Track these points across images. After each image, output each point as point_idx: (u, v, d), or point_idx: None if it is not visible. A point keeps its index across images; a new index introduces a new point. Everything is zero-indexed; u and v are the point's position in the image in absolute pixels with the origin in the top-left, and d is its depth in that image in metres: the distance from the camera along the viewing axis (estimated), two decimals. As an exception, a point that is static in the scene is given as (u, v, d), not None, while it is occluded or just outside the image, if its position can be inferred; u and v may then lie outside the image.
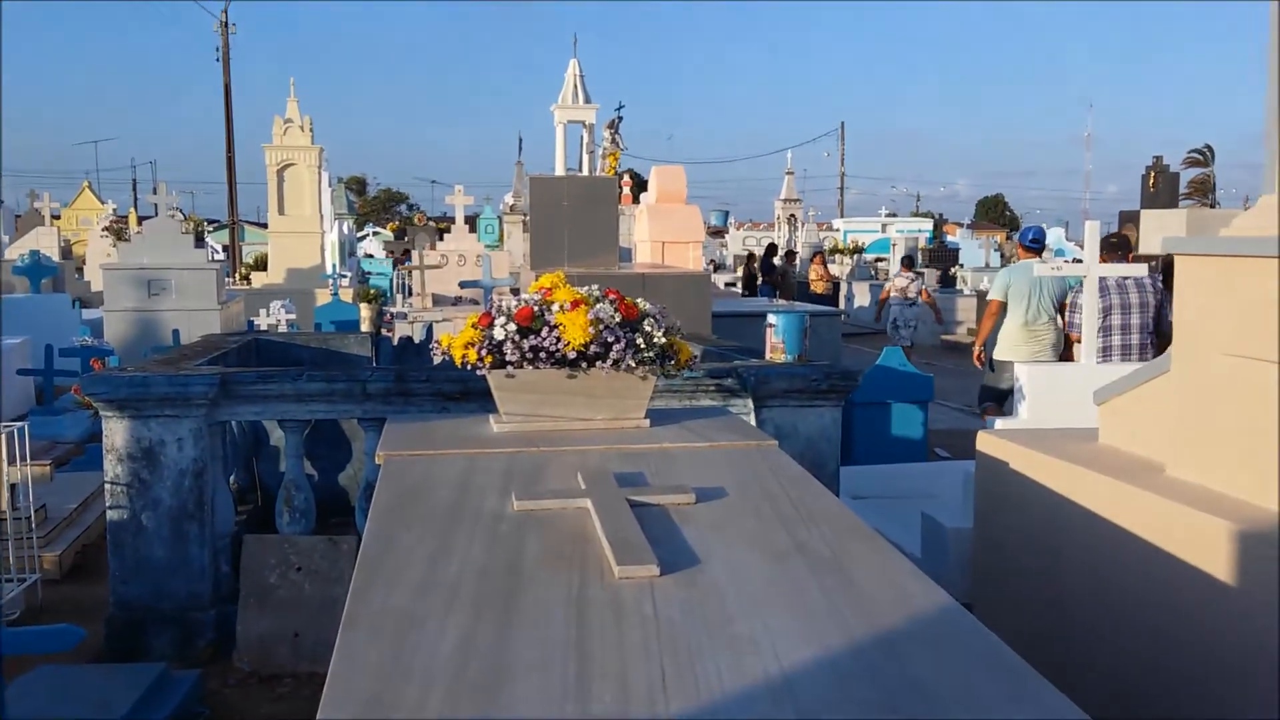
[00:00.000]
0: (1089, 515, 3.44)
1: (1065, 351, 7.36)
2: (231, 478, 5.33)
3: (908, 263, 16.68)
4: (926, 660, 1.72)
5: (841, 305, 22.06)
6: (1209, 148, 32.63)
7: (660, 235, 12.60)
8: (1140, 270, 6.47)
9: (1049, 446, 3.80)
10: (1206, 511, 2.96)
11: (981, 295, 15.68)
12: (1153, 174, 18.47)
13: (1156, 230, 14.52)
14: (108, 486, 4.20)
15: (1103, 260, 6.16)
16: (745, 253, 36.90)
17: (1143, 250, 12.17)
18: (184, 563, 4.21)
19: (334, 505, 5.70)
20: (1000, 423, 4.40)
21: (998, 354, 7.63)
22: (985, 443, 4.09)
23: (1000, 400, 7.55)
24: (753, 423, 4.30)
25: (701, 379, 4.36)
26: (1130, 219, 16.93)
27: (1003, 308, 7.59)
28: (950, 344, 18.39)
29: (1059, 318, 7.38)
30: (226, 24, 25.72)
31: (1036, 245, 8.27)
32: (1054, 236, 36.96)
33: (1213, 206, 28.04)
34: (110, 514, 4.22)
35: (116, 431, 4.15)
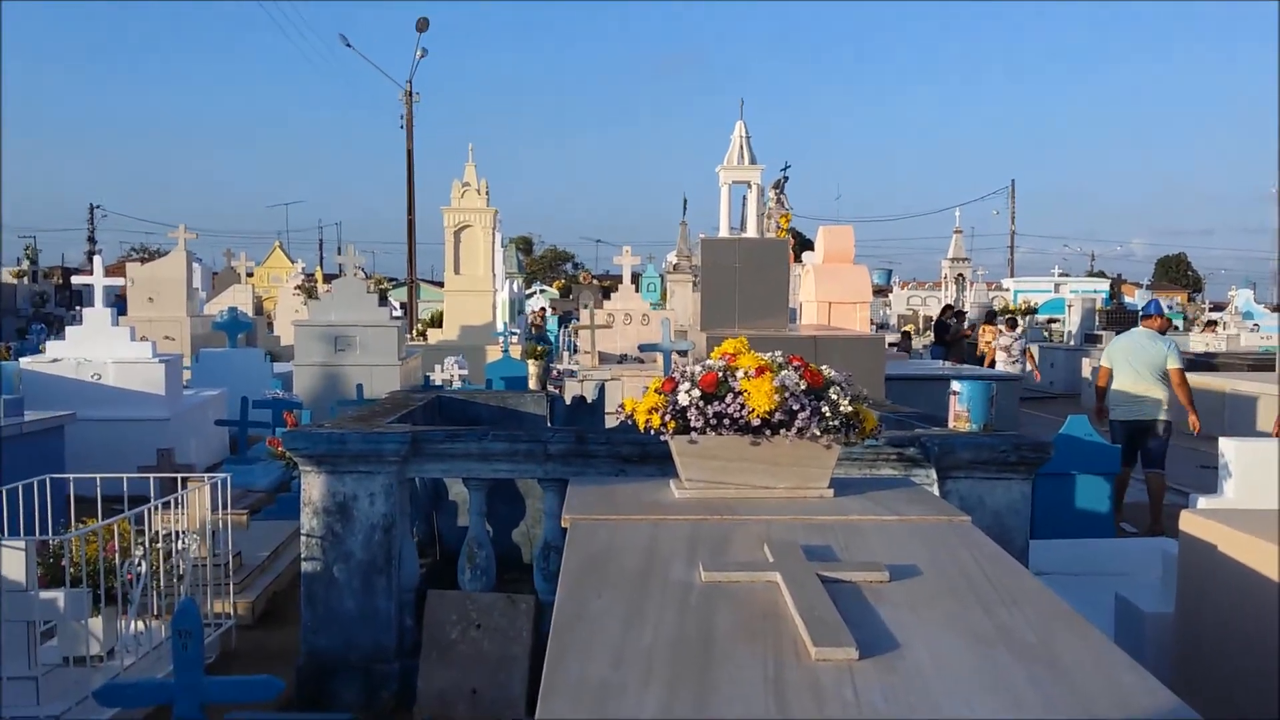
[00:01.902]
0: (1311, 606, 3.18)
1: None
2: (414, 530, 5.50)
3: (1011, 323, 16.53)
4: (1155, 764, 1.61)
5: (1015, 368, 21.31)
6: None
7: (827, 295, 12.51)
8: None
9: (1261, 528, 3.55)
10: None
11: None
12: (1360, 232, 17.16)
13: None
14: (303, 538, 4.39)
15: None
16: (909, 312, 36.24)
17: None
18: (372, 615, 4.35)
19: (508, 560, 5.81)
20: (1204, 501, 4.13)
21: (1111, 415, 8.82)
22: (1190, 523, 3.85)
23: (1124, 456, 8.22)
24: (937, 493, 4.17)
25: (883, 447, 4.27)
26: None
27: (1110, 373, 8.86)
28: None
29: (1161, 383, 8.59)
30: (411, 93, 27.11)
31: (1147, 314, 9.56)
32: (1243, 298, 34.91)
33: None
34: (305, 565, 4.41)
35: (314, 485, 4.35)
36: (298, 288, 26.41)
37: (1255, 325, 27.58)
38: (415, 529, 5.60)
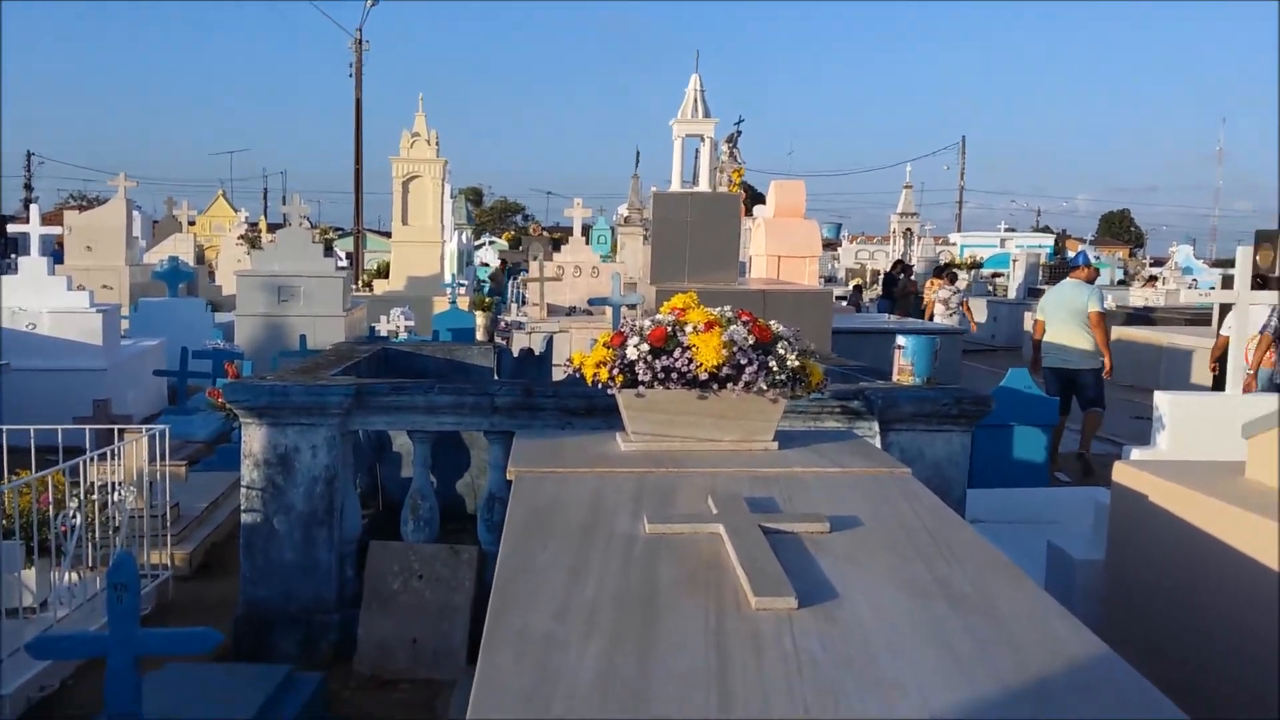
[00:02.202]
0: (1235, 554, 3.27)
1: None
2: (356, 481, 5.47)
3: (950, 277, 17.62)
4: (1084, 711, 1.65)
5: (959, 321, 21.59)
6: (1357, 163, 30.92)
7: (777, 250, 12.53)
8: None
9: (1193, 480, 3.64)
10: (1374, 559, 2.78)
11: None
12: (1295, 191, 17.53)
13: (1300, 250, 13.80)
14: (243, 490, 4.34)
15: None
16: (858, 266, 36.48)
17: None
18: (313, 566, 4.32)
19: (451, 511, 5.80)
20: (1137, 452, 4.22)
21: (1044, 363, 9.22)
22: (1123, 474, 3.93)
23: (1059, 403, 8.49)
24: (878, 446, 4.22)
25: (827, 401, 4.30)
26: (1268, 238, 16.12)
27: (1043, 325, 9.28)
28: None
29: (1087, 329, 8.96)
30: (360, 42, 26.52)
31: (1074, 264, 9.91)
32: (1183, 254, 35.60)
33: (1360, 225, 26.56)
34: (244, 516, 4.36)
35: (254, 438, 4.29)
36: (241, 237, 25.91)
37: (1194, 281, 28.17)
38: (358, 480, 5.57)
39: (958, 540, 2.44)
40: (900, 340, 4.59)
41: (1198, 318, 15.99)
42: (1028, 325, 19.59)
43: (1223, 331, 8.56)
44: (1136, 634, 3.85)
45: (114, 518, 5.06)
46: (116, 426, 5.67)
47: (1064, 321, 9.07)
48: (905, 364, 4.52)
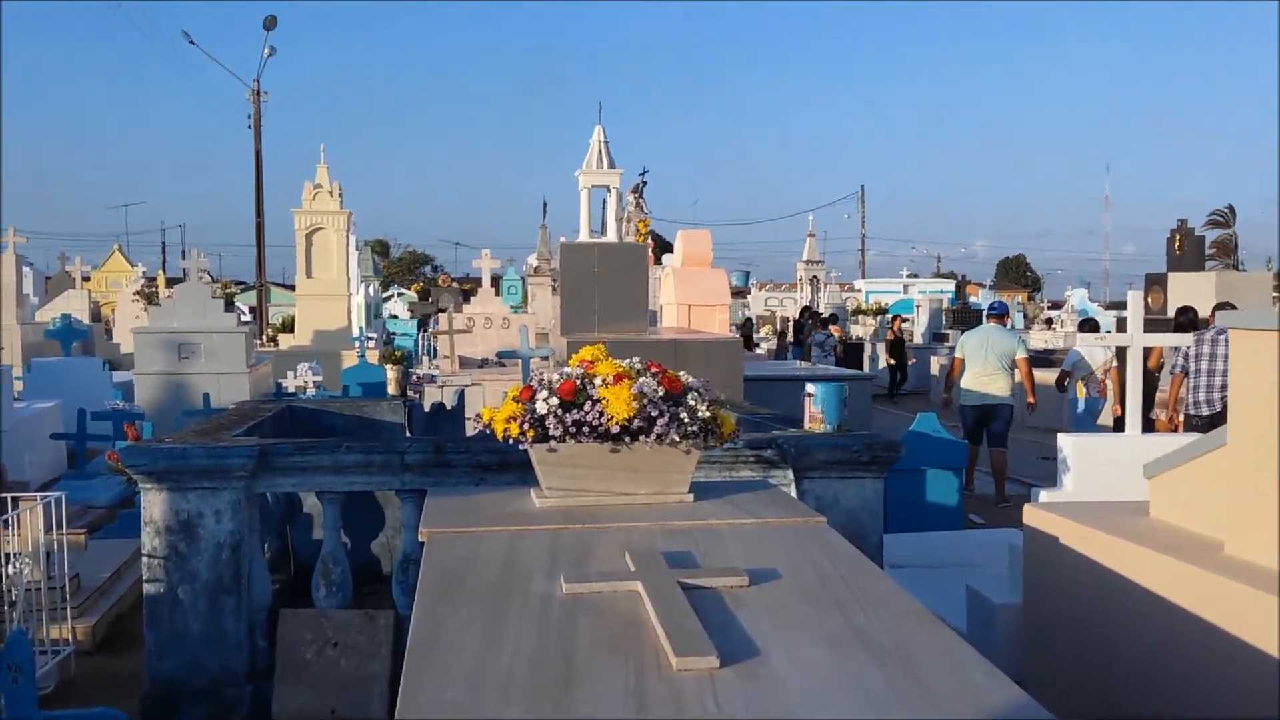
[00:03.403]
0: (1146, 594, 3.35)
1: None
2: (265, 546, 5.30)
3: (824, 322, 19.94)
4: (1004, 763, 1.65)
5: (866, 366, 22.00)
6: (1231, 208, 32.56)
7: (687, 298, 12.64)
8: (1187, 340, 7.94)
9: (1099, 521, 3.73)
10: (1273, 593, 2.87)
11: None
12: (1178, 237, 18.32)
13: (1186, 293, 14.42)
14: (145, 559, 4.17)
15: (1210, 321, 8.47)
16: (768, 313, 36.98)
17: (1171, 313, 12.07)
18: (220, 637, 4.16)
19: (367, 572, 5.65)
20: (1045, 495, 4.32)
21: (962, 400, 10.07)
22: (1033, 516, 4.01)
23: (972, 436, 9.89)
24: (793, 494, 4.24)
25: (741, 450, 4.31)
26: (1156, 281, 16.79)
27: (963, 363, 10.14)
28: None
29: (1009, 371, 9.89)
30: (259, 92, 26.20)
31: (995, 312, 10.75)
32: (1079, 297, 36.91)
33: (1236, 267, 27.89)
34: (147, 587, 4.18)
35: (155, 504, 4.13)
36: (137, 293, 25.17)
37: (1088, 323, 29.14)
38: (267, 545, 5.40)
39: (875, 590, 2.44)
40: (810, 388, 4.64)
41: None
42: (935, 369, 20.17)
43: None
44: (1057, 674, 3.91)
45: (9, 591, 4.81)
46: (10, 495, 5.41)
47: (986, 360, 9.90)
48: (816, 411, 4.57)
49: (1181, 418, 8.72)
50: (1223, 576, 3.03)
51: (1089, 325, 12.50)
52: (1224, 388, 8.13)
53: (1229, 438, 3.33)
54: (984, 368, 9.89)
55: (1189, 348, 8.32)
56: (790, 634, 2.16)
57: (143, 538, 4.17)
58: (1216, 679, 3.04)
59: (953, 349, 12.21)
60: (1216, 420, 8.04)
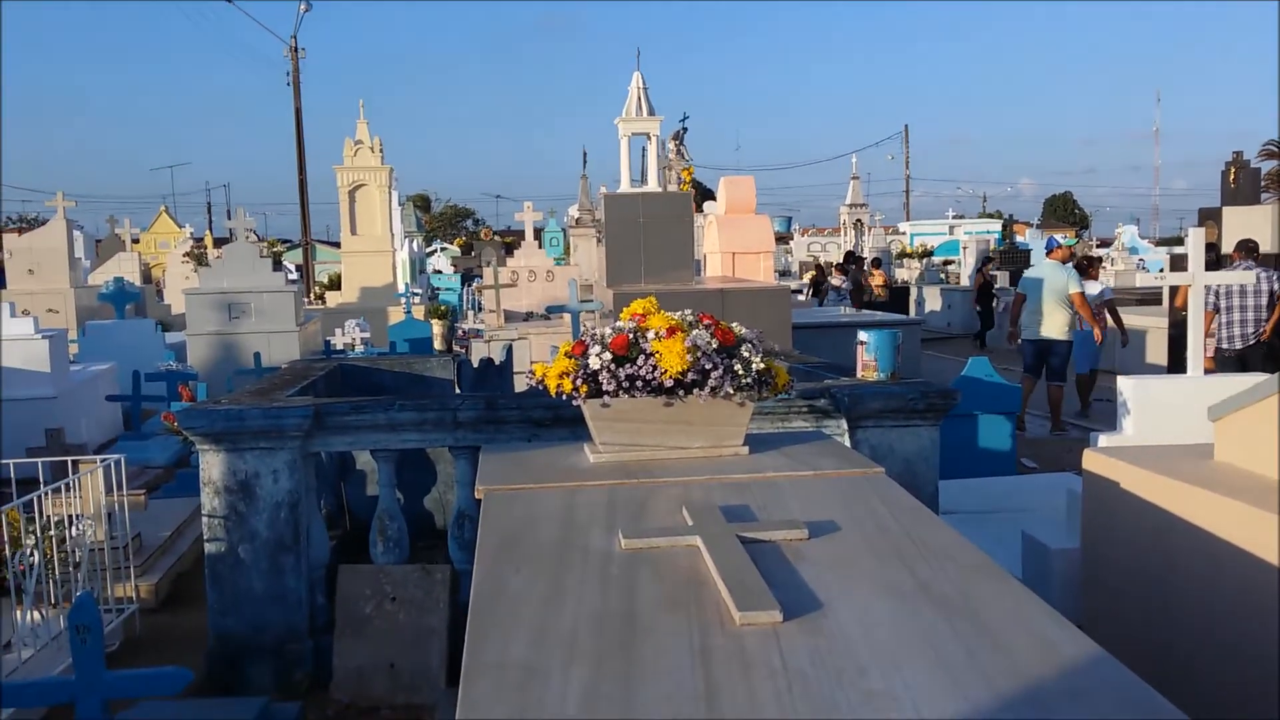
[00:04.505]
0: (1208, 538, 3.29)
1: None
2: (321, 503, 5.37)
3: (876, 264, 20.35)
4: (1082, 715, 1.62)
5: (912, 310, 21.76)
6: (1286, 138, 31.61)
7: (730, 246, 12.53)
8: (1249, 278, 8.09)
9: (1162, 465, 3.65)
10: (1346, 537, 2.80)
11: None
12: (1233, 170, 17.79)
13: (1241, 227, 14.03)
14: (205, 519, 4.23)
15: (1235, 258, 9.12)
16: (811, 259, 36.68)
17: (1225, 248, 11.78)
18: (281, 595, 4.22)
19: (420, 528, 5.71)
20: (1105, 439, 4.24)
21: (1023, 336, 10.40)
22: (1092, 461, 3.94)
23: (1032, 371, 10.36)
24: (848, 444, 4.20)
25: (794, 401, 4.27)
26: (1210, 215, 16.33)
27: (1023, 300, 10.39)
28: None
29: (1064, 306, 10.08)
30: (296, 49, 26.20)
31: (1054, 247, 11.08)
32: (1129, 234, 36.15)
33: (1294, 199, 27.12)
34: (208, 546, 4.25)
35: (213, 464, 4.18)
36: (187, 254, 25.49)
37: (1141, 260, 28.58)
38: (323, 502, 5.47)
39: (937, 541, 2.41)
40: (862, 336, 4.57)
41: (1148, 298, 16.21)
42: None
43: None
44: (1115, 620, 3.86)
45: (74, 553, 4.92)
46: (71, 457, 5.52)
47: (1043, 299, 10.14)
48: (869, 359, 4.51)
49: (1212, 353, 9.05)
50: (1291, 520, 2.96)
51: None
52: (1257, 323, 8.93)
53: (1299, 378, 3.24)
54: (1040, 305, 10.17)
55: (1219, 285, 8.43)
56: (853, 587, 2.14)
57: (202, 498, 4.23)
58: (1277, 621, 2.98)
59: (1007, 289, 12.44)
60: (1246, 355, 8.88)
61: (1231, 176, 18.78)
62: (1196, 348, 4.81)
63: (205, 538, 4.26)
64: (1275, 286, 8.98)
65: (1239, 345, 8.88)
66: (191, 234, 34.12)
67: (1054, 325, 10.15)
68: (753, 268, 12.53)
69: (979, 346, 18.85)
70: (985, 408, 7.00)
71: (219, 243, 28.28)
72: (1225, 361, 9.02)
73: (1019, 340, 10.52)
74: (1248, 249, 9.46)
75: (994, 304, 19.71)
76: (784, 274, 30.79)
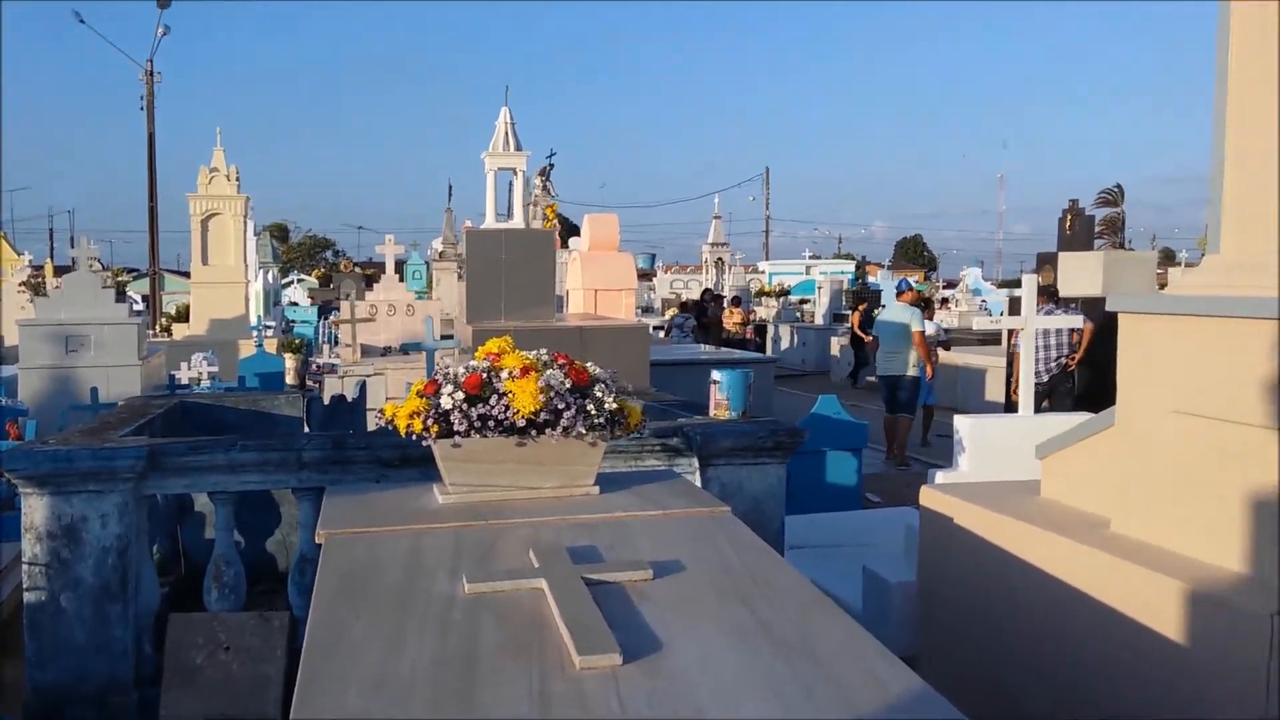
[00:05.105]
0: (1035, 572, 3.44)
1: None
2: (155, 547, 5.11)
3: (735, 302, 21.48)
4: (906, 751, 1.67)
5: (769, 348, 22.25)
6: (1119, 187, 33.77)
7: (593, 283, 12.61)
8: (1076, 321, 8.91)
9: (991, 501, 3.82)
10: (1156, 570, 2.98)
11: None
12: (1069, 216, 18.95)
13: (1075, 271, 14.87)
14: (25, 567, 3.98)
15: (1040, 302, 8.71)
16: (674, 296, 37.16)
17: (1062, 292, 12.51)
18: (105, 645, 3.99)
19: (262, 572, 5.51)
20: (941, 475, 4.41)
21: (877, 373, 11.44)
22: (928, 497, 4.09)
23: (891, 406, 11.12)
24: (698, 482, 4.25)
25: (647, 440, 4.30)
26: (1048, 260, 17.30)
27: (876, 340, 11.44)
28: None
29: (910, 344, 10.89)
30: (151, 73, 25.26)
31: (902, 290, 11.99)
32: (973, 277, 37.88)
33: (1123, 245, 28.92)
34: (27, 595, 4.00)
35: (36, 509, 3.94)
36: (24, 283, 24.12)
37: (983, 302, 29.93)
38: (157, 546, 5.22)
39: (778, 579, 2.46)
40: (715, 375, 4.65)
41: (989, 338, 16.97)
42: (835, 350, 20.55)
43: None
44: (950, 651, 4.00)
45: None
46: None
47: (891, 337, 11.12)
48: (721, 398, 4.58)
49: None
50: (1108, 554, 3.13)
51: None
52: (1059, 357, 10.07)
53: (1117, 418, 3.44)
54: (888, 344, 11.14)
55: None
56: (695, 627, 2.16)
57: (23, 544, 3.98)
58: (1101, 654, 3.14)
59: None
60: (1052, 385, 10.08)
61: (1068, 223, 19.91)
62: (1027, 389, 5.05)
63: (25, 586, 4.01)
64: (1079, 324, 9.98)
65: (1045, 378, 9.95)
66: (30, 262, 32.32)
67: (901, 362, 11.00)
68: (615, 305, 12.62)
69: (852, 384, 19.39)
70: (833, 444, 7.20)
71: (60, 271, 26.85)
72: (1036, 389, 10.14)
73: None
74: (1049, 293, 10.57)
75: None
76: (647, 310, 31.10)
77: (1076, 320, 8.85)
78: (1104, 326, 9.34)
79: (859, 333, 19.45)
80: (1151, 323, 3.29)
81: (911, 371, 11.00)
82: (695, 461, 4.34)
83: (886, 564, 4.78)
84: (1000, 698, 3.61)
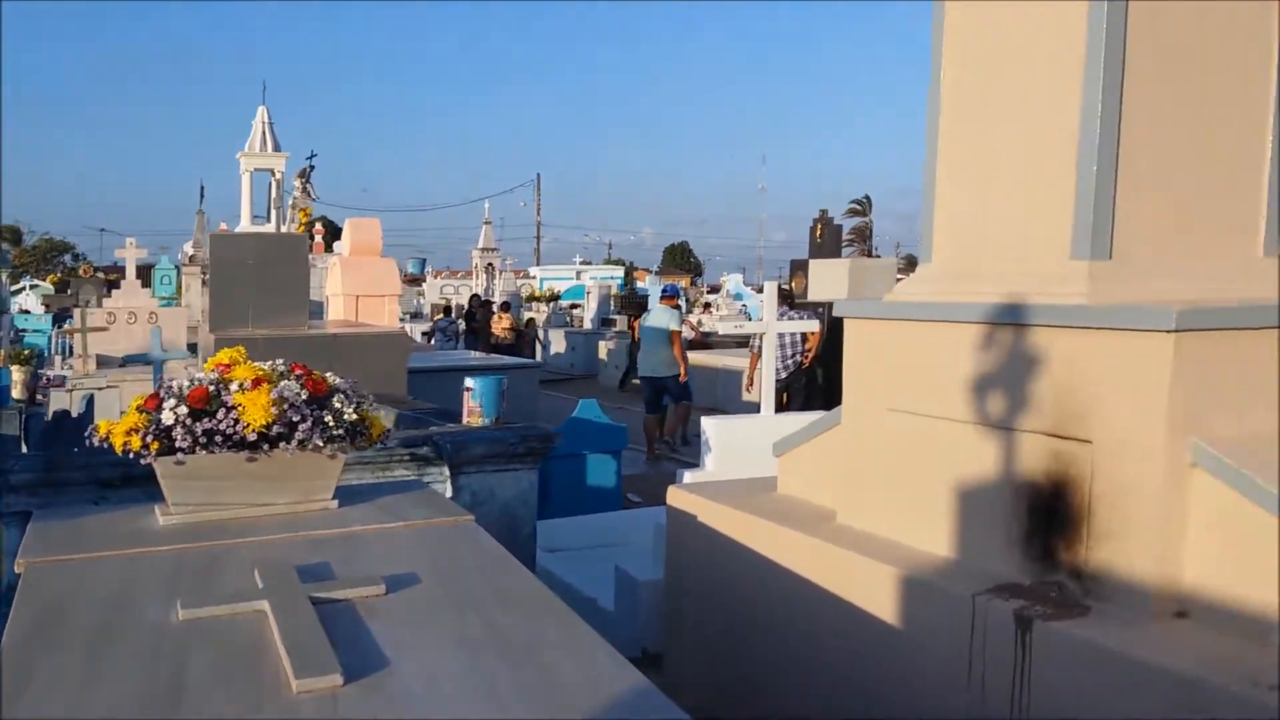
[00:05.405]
0: (770, 565, 3.61)
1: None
2: None
3: (505, 307, 21.51)
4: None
5: (539, 353, 22.32)
6: (867, 198, 36.07)
7: (354, 289, 12.29)
8: (812, 326, 9.33)
9: (732, 498, 3.97)
10: (873, 558, 3.18)
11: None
12: (819, 226, 20.01)
13: (824, 278, 15.72)
14: None
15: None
16: (443, 301, 36.71)
17: (811, 297, 13.25)
18: None
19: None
20: (689, 475, 4.55)
21: (639, 373, 11.82)
22: (674, 496, 4.21)
23: (652, 407, 11.57)
24: (449, 491, 4.21)
25: (395, 449, 4.22)
26: (800, 267, 18.22)
27: (640, 342, 11.74)
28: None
29: (669, 345, 11.33)
30: None
31: (666, 294, 12.54)
32: (733, 282, 39.41)
33: (870, 253, 30.87)
34: None
35: None
36: None
37: (744, 306, 31.15)
38: None
39: (516, 587, 2.46)
40: (469, 382, 4.63)
41: (746, 341, 17.65)
42: (603, 354, 20.83)
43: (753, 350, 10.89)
44: (695, 646, 4.13)
45: None
46: None
47: (653, 339, 11.54)
48: (474, 405, 4.56)
49: (754, 384, 10.73)
50: (832, 544, 3.32)
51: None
52: (794, 356, 10.76)
53: (842, 416, 3.65)
54: (652, 344, 11.56)
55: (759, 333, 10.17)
56: (425, 641, 2.13)
57: None
58: (828, 641, 3.33)
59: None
60: (787, 383, 10.77)
61: (818, 232, 21.01)
62: (769, 389, 5.30)
63: None
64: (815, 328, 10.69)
65: (782, 375, 10.57)
66: None
67: (664, 362, 11.52)
68: (377, 311, 12.32)
69: (620, 388, 19.65)
70: (593, 447, 7.30)
71: None
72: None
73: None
74: (785, 296, 11.29)
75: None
76: (415, 316, 30.53)
77: (813, 324, 9.33)
78: (834, 328, 10.00)
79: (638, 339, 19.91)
80: (871, 326, 3.52)
81: (674, 371, 11.51)
82: (446, 470, 4.30)
83: (637, 563, 4.89)
84: (744, 687, 3.76)
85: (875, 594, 3.13)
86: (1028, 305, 2.87)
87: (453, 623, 2.24)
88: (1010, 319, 2.91)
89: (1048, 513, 2.84)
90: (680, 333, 11.64)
